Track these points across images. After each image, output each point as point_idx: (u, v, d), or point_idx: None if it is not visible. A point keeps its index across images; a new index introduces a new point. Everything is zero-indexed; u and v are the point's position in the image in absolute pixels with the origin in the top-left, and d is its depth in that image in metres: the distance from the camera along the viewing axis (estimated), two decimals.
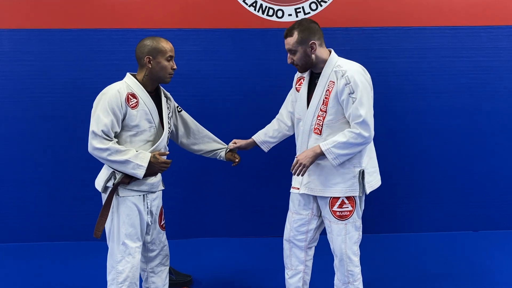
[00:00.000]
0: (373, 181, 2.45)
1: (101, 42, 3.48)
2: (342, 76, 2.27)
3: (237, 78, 3.58)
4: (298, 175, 2.34)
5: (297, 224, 2.51)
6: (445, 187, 3.76)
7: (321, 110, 2.33)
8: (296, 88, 2.54)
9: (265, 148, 2.73)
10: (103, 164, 2.37)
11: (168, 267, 2.66)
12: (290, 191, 2.52)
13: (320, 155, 2.29)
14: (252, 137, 2.72)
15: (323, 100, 2.33)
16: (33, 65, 3.49)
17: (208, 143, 2.68)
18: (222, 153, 2.68)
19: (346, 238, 2.39)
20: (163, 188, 2.55)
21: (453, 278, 3.05)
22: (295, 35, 2.32)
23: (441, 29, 3.57)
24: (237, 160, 2.68)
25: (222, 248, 3.58)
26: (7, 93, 3.51)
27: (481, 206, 3.78)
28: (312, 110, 2.36)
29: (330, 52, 2.40)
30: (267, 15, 3.52)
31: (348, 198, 2.37)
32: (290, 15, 3.52)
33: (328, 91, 2.31)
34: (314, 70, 2.43)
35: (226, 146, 2.71)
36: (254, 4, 3.51)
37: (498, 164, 3.73)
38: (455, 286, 2.96)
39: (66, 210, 3.64)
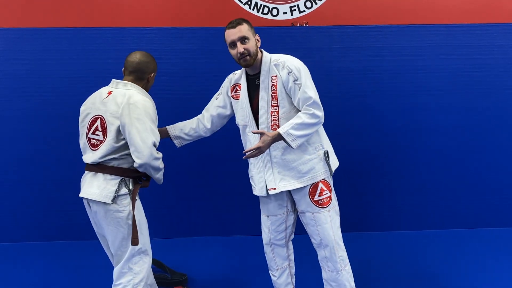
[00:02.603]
0: (334, 160, 2.51)
1: (95, 40, 3.46)
2: (283, 67, 2.32)
3: None
4: (249, 157, 2.30)
5: (275, 226, 2.54)
6: (441, 185, 3.76)
7: (272, 106, 2.35)
8: (232, 96, 2.53)
9: (178, 144, 2.70)
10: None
11: None
12: (270, 192, 2.44)
13: (277, 140, 2.28)
14: (167, 127, 2.68)
15: (271, 95, 2.35)
16: (26, 64, 3.47)
17: None
18: None
19: (332, 224, 2.43)
20: None
21: (448, 276, 3.05)
22: (245, 24, 2.35)
23: (436, 27, 3.57)
24: None
25: (217, 246, 3.58)
26: (0, 92, 3.49)
27: (476, 203, 3.78)
28: (264, 109, 2.37)
29: (262, 51, 2.43)
30: (262, 13, 3.51)
31: (324, 184, 2.40)
32: (285, 13, 3.51)
33: (274, 86, 2.34)
34: (251, 72, 2.44)
35: None
36: (249, 2, 3.49)
37: (493, 161, 3.73)
38: (449, 284, 2.97)
39: (60, 209, 3.63)
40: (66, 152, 3.52)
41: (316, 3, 3.52)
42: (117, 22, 3.45)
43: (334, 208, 2.45)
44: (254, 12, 3.50)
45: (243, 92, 2.45)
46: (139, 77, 2.39)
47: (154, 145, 2.28)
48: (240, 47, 2.32)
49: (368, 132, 3.66)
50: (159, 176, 2.38)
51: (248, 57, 2.34)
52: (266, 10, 3.51)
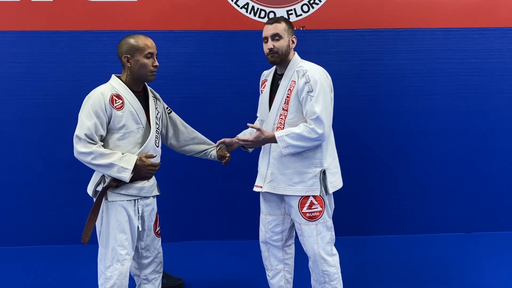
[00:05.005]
0: (336, 181, 2.48)
1: (90, 44, 3.46)
2: (303, 75, 2.33)
3: (228, 80, 3.56)
4: (235, 145, 2.50)
5: (272, 225, 2.54)
6: (437, 189, 3.76)
7: (283, 109, 2.39)
8: (261, 91, 2.60)
9: (250, 148, 2.69)
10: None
11: (161, 274, 2.62)
12: (255, 189, 2.51)
13: (271, 142, 2.34)
14: (237, 136, 2.67)
15: (285, 99, 2.38)
16: (22, 67, 3.46)
17: (198, 144, 2.66)
18: (213, 152, 2.65)
19: (318, 239, 2.40)
20: (158, 193, 2.52)
21: (445, 280, 3.05)
22: (283, 23, 2.38)
23: (433, 31, 3.58)
24: (227, 155, 2.62)
25: (213, 251, 3.57)
26: None
27: (472, 208, 3.78)
28: (275, 109, 2.41)
29: (294, 53, 2.46)
30: (259, 17, 3.51)
31: (316, 198, 2.38)
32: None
33: (289, 90, 2.37)
34: (278, 71, 2.48)
35: (215, 145, 2.68)
36: (246, 6, 3.49)
37: (490, 165, 3.74)
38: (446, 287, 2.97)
39: (55, 213, 3.61)
40: (63, 155, 3.49)
41: (313, 7, 3.52)
42: (112, 25, 3.45)
43: (325, 223, 2.41)
44: (251, 16, 3.50)
45: (266, 88, 2.53)
46: (122, 65, 2.33)
47: (78, 138, 2.18)
48: (270, 44, 2.37)
49: (365, 136, 3.66)
50: (110, 173, 2.21)
51: (275, 55, 2.37)
52: (263, 14, 3.51)
